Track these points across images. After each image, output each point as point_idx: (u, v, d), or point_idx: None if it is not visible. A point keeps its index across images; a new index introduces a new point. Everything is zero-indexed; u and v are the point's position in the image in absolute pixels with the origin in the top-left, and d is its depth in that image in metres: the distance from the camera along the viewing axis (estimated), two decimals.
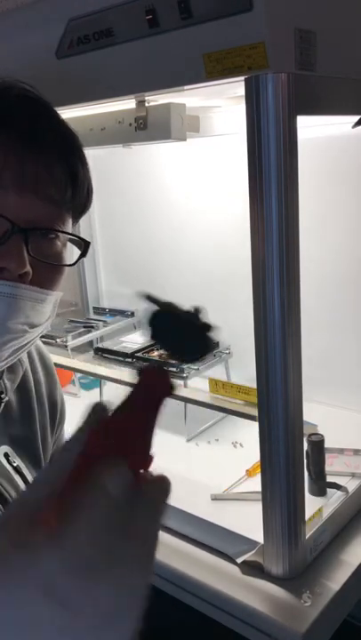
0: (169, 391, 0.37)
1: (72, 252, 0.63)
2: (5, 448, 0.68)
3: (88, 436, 0.34)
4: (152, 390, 0.37)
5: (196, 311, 0.38)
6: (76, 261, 0.63)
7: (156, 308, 0.39)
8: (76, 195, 0.60)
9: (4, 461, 0.67)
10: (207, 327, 0.38)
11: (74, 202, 0.60)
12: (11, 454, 0.68)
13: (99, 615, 0.30)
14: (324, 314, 1.29)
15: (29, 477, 0.68)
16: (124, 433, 0.35)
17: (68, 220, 0.60)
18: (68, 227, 0.60)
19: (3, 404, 0.67)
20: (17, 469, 0.67)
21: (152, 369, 0.37)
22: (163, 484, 0.37)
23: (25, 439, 0.71)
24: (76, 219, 0.63)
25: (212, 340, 0.38)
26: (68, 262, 0.61)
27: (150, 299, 0.39)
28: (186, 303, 0.43)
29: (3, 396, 0.67)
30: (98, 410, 0.37)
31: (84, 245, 0.63)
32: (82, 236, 0.64)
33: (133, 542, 0.33)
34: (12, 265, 0.53)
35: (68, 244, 0.63)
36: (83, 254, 0.63)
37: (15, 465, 0.67)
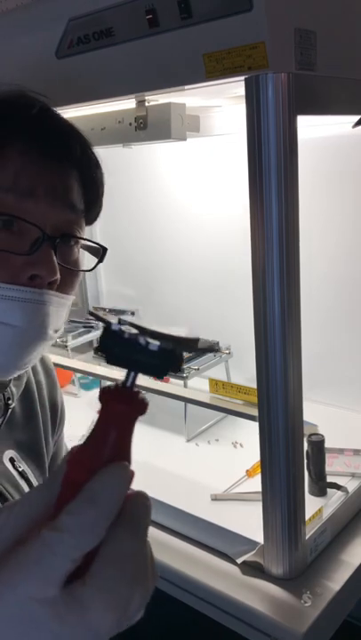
0: (136, 409, 0.35)
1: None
2: (11, 453, 0.68)
3: (67, 465, 0.36)
4: (114, 412, 0.35)
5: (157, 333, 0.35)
6: (94, 267, 0.66)
7: (105, 326, 0.36)
8: (94, 203, 0.64)
9: (10, 466, 0.67)
10: (161, 350, 0.34)
11: (92, 210, 0.64)
12: (16, 459, 0.68)
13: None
14: (325, 313, 1.29)
15: (34, 482, 0.68)
16: (97, 457, 0.36)
17: (84, 227, 0.63)
18: (85, 233, 0.63)
19: (10, 411, 0.67)
20: (22, 474, 0.67)
21: (110, 391, 0.35)
22: (144, 501, 0.37)
23: (29, 443, 0.72)
24: (89, 224, 0.65)
25: (169, 356, 0.34)
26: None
27: (95, 316, 0.36)
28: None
29: (10, 402, 0.67)
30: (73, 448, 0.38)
31: (101, 251, 0.66)
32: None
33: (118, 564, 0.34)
34: (44, 273, 0.55)
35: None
36: (100, 260, 0.66)
37: (21, 470, 0.68)
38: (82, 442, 0.37)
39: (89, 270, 0.65)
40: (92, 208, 0.63)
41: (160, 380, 1.23)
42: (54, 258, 0.56)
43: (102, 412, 0.36)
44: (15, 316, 0.54)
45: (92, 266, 0.65)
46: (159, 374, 0.34)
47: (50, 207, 0.56)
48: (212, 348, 0.43)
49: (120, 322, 0.36)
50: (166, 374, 0.35)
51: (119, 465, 0.36)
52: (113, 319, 0.36)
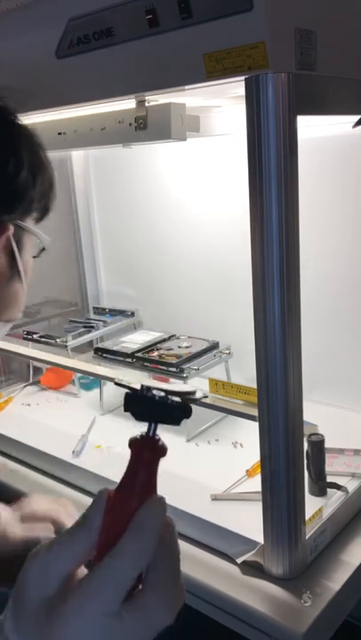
0: (158, 454, 0.47)
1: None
2: None
3: (108, 500, 0.45)
4: (142, 457, 0.46)
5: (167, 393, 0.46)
6: (39, 254, 0.72)
7: (128, 392, 0.47)
8: (42, 196, 0.66)
9: None
10: (179, 403, 0.46)
11: (40, 202, 0.66)
12: None
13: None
14: (325, 313, 1.29)
15: None
16: (131, 493, 0.45)
17: (33, 218, 0.67)
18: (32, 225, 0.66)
19: None
20: None
21: (138, 440, 0.46)
22: (171, 522, 0.46)
23: None
24: (38, 219, 0.68)
25: (183, 409, 0.47)
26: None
27: (121, 385, 0.48)
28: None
29: None
30: (103, 491, 0.46)
31: (46, 242, 0.70)
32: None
33: None
34: None
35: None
36: (44, 248, 0.71)
37: None
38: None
39: (35, 256, 0.70)
40: (40, 200, 0.66)
41: (160, 380, 1.23)
42: None
43: (133, 459, 0.46)
44: None
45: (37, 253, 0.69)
46: (176, 423, 0.47)
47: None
48: (204, 397, 0.50)
49: (142, 387, 0.46)
50: (180, 423, 0.47)
51: (157, 498, 0.46)
52: (136, 385, 0.47)
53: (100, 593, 0.41)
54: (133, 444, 0.46)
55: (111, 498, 0.45)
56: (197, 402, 0.49)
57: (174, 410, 0.46)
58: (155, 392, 0.46)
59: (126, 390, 0.47)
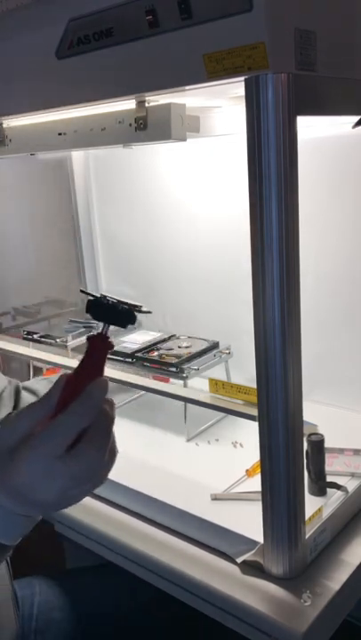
0: (107, 345, 0.61)
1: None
2: None
3: (65, 379, 0.60)
4: (95, 347, 0.61)
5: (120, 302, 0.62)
6: None
7: (90, 298, 0.62)
8: None
9: None
10: (127, 309, 0.62)
11: None
12: None
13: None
14: (325, 313, 1.29)
15: None
16: (85, 375, 0.60)
17: None
18: None
19: None
20: None
21: (93, 336, 0.61)
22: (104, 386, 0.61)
23: None
24: None
25: (129, 314, 0.61)
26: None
27: (84, 292, 0.65)
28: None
29: None
30: (62, 375, 0.61)
31: None
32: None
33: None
34: None
35: None
36: None
37: None
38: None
39: None
40: None
41: (160, 380, 1.23)
42: None
43: (89, 349, 0.61)
44: None
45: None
46: (123, 326, 0.61)
47: None
48: (149, 312, 0.65)
49: (101, 296, 0.62)
50: (126, 326, 0.61)
51: (103, 378, 0.61)
52: (96, 294, 0.62)
53: (51, 438, 0.56)
54: (90, 338, 0.61)
55: (70, 378, 0.60)
56: (142, 312, 0.63)
57: (123, 314, 0.61)
58: (110, 300, 0.61)
59: (89, 297, 0.62)
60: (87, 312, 0.61)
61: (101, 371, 0.61)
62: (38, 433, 0.57)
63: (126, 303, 0.62)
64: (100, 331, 0.61)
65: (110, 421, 0.60)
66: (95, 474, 0.58)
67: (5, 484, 0.57)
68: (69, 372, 0.61)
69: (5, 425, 0.59)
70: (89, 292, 0.62)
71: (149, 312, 0.64)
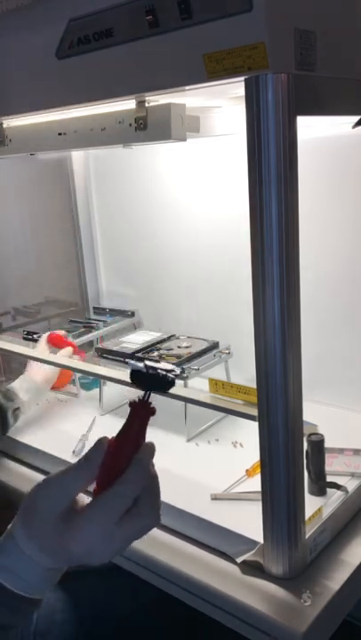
0: (150, 412, 0.63)
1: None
2: None
3: (109, 444, 0.62)
4: (138, 414, 0.63)
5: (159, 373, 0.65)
6: None
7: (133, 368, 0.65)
8: None
9: None
10: (165, 378, 0.65)
11: None
12: None
13: None
14: (325, 313, 1.30)
15: None
16: (128, 440, 0.63)
17: None
18: None
19: None
20: None
21: (136, 402, 0.63)
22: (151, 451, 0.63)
23: None
24: None
25: (170, 382, 0.65)
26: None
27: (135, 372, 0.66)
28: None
29: None
30: (102, 439, 0.63)
31: None
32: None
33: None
34: None
35: None
36: None
37: None
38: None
39: None
40: None
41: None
42: None
43: (132, 415, 0.63)
44: None
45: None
46: (164, 391, 0.66)
47: None
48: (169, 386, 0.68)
49: (145, 365, 0.65)
50: (167, 391, 0.66)
51: (150, 443, 0.63)
52: (139, 364, 0.66)
53: (109, 509, 0.59)
54: (133, 404, 0.63)
55: (111, 443, 0.62)
56: (177, 377, 0.67)
57: (165, 382, 0.64)
58: (150, 370, 0.65)
59: (131, 368, 0.66)
60: (131, 382, 0.65)
61: (144, 435, 0.63)
62: (93, 503, 0.60)
63: (164, 369, 0.66)
64: (141, 396, 0.63)
65: (158, 483, 0.64)
66: (147, 530, 0.62)
67: (56, 552, 0.59)
68: (108, 436, 0.63)
69: (47, 486, 0.61)
70: (135, 364, 0.67)
71: (175, 379, 0.67)
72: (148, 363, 0.65)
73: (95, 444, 0.62)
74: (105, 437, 0.62)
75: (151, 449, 0.62)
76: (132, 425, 0.62)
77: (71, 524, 0.58)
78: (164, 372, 0.65)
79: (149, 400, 0.64)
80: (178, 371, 0.66)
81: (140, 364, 0.65)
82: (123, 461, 0.61)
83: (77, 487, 0.60)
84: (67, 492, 0.60)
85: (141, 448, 0.62)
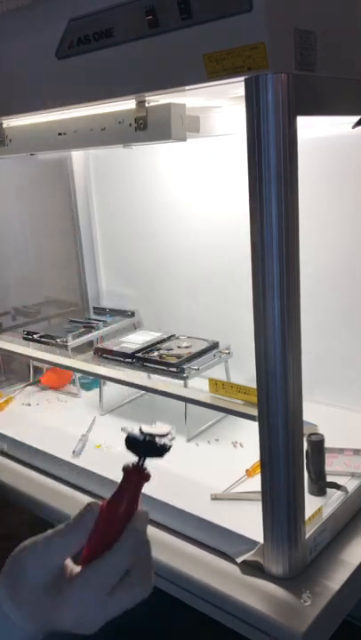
0: (144, 478, 0.61)
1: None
2: None
3: (100, 509, 0.59)
4: (132, 480, 0.61)
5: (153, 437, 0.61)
6: None
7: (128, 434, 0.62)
8: None
9: None
10: (158, 446, 0.61)
11: None
12: None
13: None
14: (325, 313, 1.30)
15: None
16: (121, 507, 0.60)
17: None
18: None
19: None
20: None
21: (129, 467, 0.61)
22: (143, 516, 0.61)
23: None
24: None
25: (165, 448, 0.61)
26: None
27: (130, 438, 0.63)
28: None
29: None
30: (93, 504, 0.59)
31: None
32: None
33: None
34: None
35: None
36: None
37: None
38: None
39: None
40: None
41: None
42: None
43: (125, 480, 0.60)
44: None
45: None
46: (160, 457, 0.61)
47: None
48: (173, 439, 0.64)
49: (141, 431, 0.62)
50: (162, 457, 0.61)
51: (144, 511, 0.60)
52: (135, 432, 0.62)
53: (102, 578, 0.56)
54: (126, 469, 0.61)
55: (103, 508, 0.59)
56: (173, 439, 0.63)
57: (159, 449, 0.61)
58: (147, 436, 0.61)
59: (127, 434, 0.63)
60: (127, 448, 0.62)
61: (137, 502, 0.61)
62: (85, 572, 0.57)
63: (158, 435, 0.62)
64: (135, 462, 0.61)
65: (150, 550, 0.60)
66: (139, 600, 0.58)
67: (44, 619, 0.56)
68: (99, 501, 0.60)
69: (32, 553, 0.57)
70: (129, 431, 0.63)
71: (174, 438, 0.63)
72: (144, 428, 0.62)
73: (86, 509, 0.58)
74: (96, 503, 0.59)
75: (145, 517, 0.60)
76: (125, 491, 0.60)
77: (62, 592, 0.56)
78: (161, 438, 0.62)
79: (144, 466, 0.61)
80: (174, 434, 0.63)
81: (136, 430, 0.62)
82: (115, 529, 0.58)
83: (67, 553, 0.57)
84: (55, 559, 0.57)
85: (135, 516, 0.59)
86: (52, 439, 1.25)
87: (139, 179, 1.55)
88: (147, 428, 0.62)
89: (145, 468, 0.61)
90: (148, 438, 0.61)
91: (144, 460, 0.61)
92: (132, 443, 0.62)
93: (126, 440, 0.62)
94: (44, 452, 1.19)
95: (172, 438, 0.62)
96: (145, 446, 0.61)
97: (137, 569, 0.58)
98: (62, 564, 0.57)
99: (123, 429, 0.64)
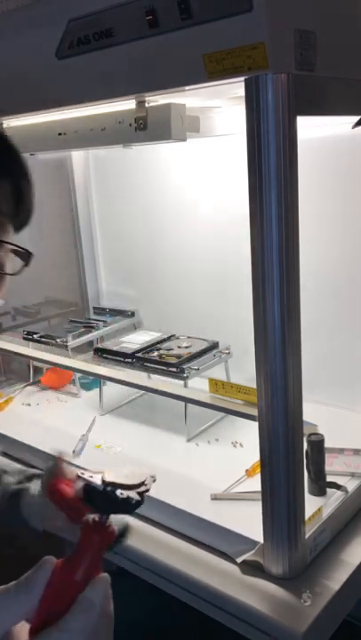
0: (107, 539, 0.50)
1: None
2: None
3: (55, 568, 0.49)
4: (92, 540, 0.50)
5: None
6: (19, 271, 0.68)
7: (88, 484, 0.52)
8: (22, 210, 0.64)
9: None
10: (129, 501, 0.51)
11: (19, 216, 0.64)
12: None
13: None
14: (325, 313, 1.29)
15: None
16: (76, 571, 0.49)
17: (12, 232, 0.64)
18: (11, 238, 0.64)
19: None
20: None
21: (90, 524, 0.50)
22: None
23: None
24: (17, 231, 0.66)
25: (135, 506, 0.51)
26: (10, 271, 0.65)
27: (82, 478, 0.53)
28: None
29: None
30: (47, 560, 0.49)
31: (28, 256, 0.66)
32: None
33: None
34: None
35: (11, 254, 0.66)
36: (26, 264, 0.67)
37: None
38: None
39: (14, 274, 0.66)
40: (19, 213, 0.64)
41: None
42: None
43: (83, 540, 0.50)
44: None
45: (18, 269, 0.67)
46: (128, 513, 0.51)
47: None
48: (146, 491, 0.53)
49: (103, 482, 0.51)
50: (131, 513, 0.51)
51: (103, 577, 0.49)
52: (97, 478, 0.51)
53: None
54: (86, 526, 0.50)
55: (57, 569, 0.49)
56: (147, 491, 0.52)
57: (127, 505, 0.50)
58: (109, 488, 0.50)
59: (84, 483, 0.52)
60: (86, 501, 0.52)
61: (98, 565, 0.50)
62: None
63: (128, 486, 0.51)
64: (97, 518, 0.50)
65: (112, 621, 0.50)
66: None
67: None
68: (53, 558, 0.50)
69: None
70: (87, 477, 0.52)
71: (147, 490, 0.53)
72: (107, 478, 0.51)
73: (38, 566, 0.49)
74: (50, 558, 0.49)
75: (104, 585, 0.49)
76: (83, 553, 0.49)
77: None
78: (129, 490, 0.51)
79: (108, 523, 0.50)
80: (151, 482, 0.52)
81: (98, 481, 0.51)
82: (69, 595, 0.48)
83: (16, 616, 0.48)
84: (3, 622, 0.48)
85: (92, 583, 0.48)
86: (52, 439, 1.25)
87: (139, 179, 1.55)
88: (114, 476, 0.52)
89: (109, 525, 0.50)
90: (109, 489, 0.50)
91: (108, 516, 0.50)
92: (93, 495, 0.51)
93: (85, 493, 0.51)
94: (44, 451, 1.19)
95: (146, 490, 0.51)
96: (108, 501, 0.50)
97: None
98: (9, 629, 0.50)
99: (81, 475, 0.54)
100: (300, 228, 0.74)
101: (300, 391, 0.80)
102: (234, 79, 0.70)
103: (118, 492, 0.50)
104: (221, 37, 0.69)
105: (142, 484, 0.51)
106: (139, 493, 0.51)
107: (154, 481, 0.53)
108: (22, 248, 0.64)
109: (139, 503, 0.51)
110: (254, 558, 0.88)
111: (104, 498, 0.50)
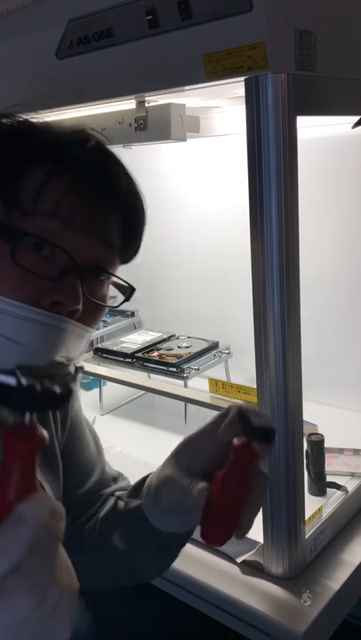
0: (35, 445, 0.41)
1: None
2: None
3: None
4: (16, 449, 0.41)
5: None
6: (120, 304, 0.67)
7: None
8: (133, 245, 0.65)
9: None
10: (52, 391, 0.42)
11: (128, 251, 0.64)
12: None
13: None
14: (324, 313, 1.30)
15: (51, 493, 0.68)
16: (8, 491, 0.41)
17: (118, 265, 0.63)
18: (117, 271, 0.63)
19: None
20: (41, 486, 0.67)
21: (9, 430, 0.41)
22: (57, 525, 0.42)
23: (48, 456, 0.71)
24: (123, 263, 0.66)
25: (56, 398, 0.43)
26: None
27: None
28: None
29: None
30: None
31: (129, 291, 0.66)
32: None
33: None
34: (66, 300, 0.54)
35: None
36: (126, 299, 0.66)
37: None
38: None
39: (114, 307, 0.65)
40: (129, 248, 0.64)
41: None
42: (80, 288, 0.56)
43: (6, 450, 0.40)
44: (28, 337, 0.53)
45: (118, 303, 0.66)
46: (53, 410, 0.40)
47: (85, 239, 0.56)
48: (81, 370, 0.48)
49: (15, 372, 0.42)
50: (59, 408, 0.42)
51: (43, 496, 0.42)
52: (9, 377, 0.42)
53: None
54: (4, 433, 0.40)
55: None
56: (77, 374, 0.44)
57: (50, 399, 0.42)
58: (25, 379, 0.41)
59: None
60: None
61: (33, 480, 0.42)
62: None
63: (49, 374, 0.44)
64: (20, 419, 0.41)
65: (56, 539, 0.41)
66: (22, 617, 0.39)
67: None
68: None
69: None
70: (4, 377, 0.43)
71: (82, 368, 0.46)
72: (20, 370, 0.43)
73: None
74: None
75: (40, 500, 0.42)
76: (9, 465, 0.40)
77: None
78: (51, 382, 0.42)
79: (33, 424, 0.41)
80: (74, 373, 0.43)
81: (11, 378, 0.42)
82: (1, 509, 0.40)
83: None
84: None
85: (26, 499, 0.40)
86: None
87: (139, 179, 1.55)
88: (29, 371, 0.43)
89: (34, 427, 0.41)
90: (27, 383, 0.41)
91: (32, 416, 0.41)
92: (6, 392, 0.42)
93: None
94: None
95: (73, 378, 0.43)
96: (23, 397, 0.41)
97: (20, 571, 0.39)
98: None
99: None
100: (300, 228, 0.74)
101: (300, 391, 0.80)
102: (234, 79, 0.70)
103: (40, 383, 0.41)
104: (221, 37, 0.69)
105: (65, 366, 0.44)
106: (64, 384, 0.42)
107: (81, 368, 0.45)
108: (127, 283, 0.65)
109: (65, 395, 0.42)
110: (254, 558, 0.88)
111: (19, 394, 0.41)
